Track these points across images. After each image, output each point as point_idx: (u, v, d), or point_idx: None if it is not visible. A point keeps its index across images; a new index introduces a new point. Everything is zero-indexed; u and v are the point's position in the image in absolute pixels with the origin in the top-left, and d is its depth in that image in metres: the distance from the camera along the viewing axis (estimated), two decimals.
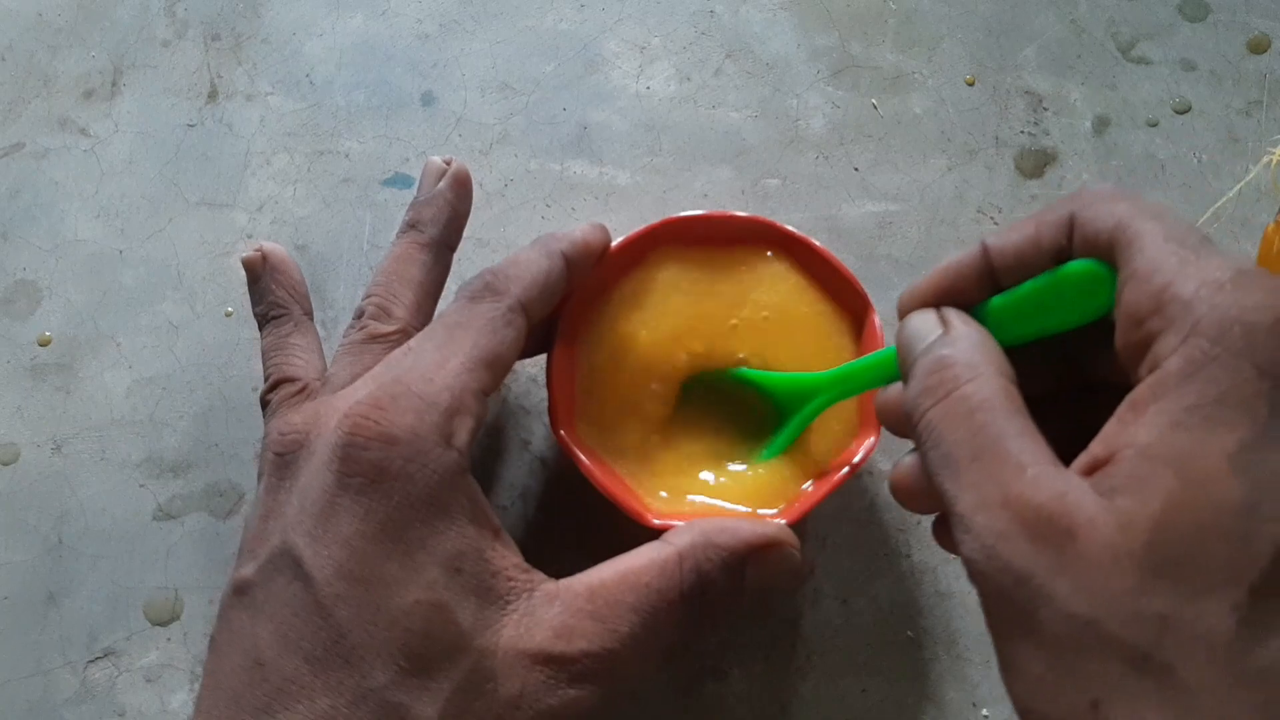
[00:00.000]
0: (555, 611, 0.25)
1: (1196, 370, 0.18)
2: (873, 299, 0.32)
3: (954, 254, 0.24)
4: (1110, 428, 0.20)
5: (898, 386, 0.24)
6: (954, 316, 0.24)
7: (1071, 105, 0.39)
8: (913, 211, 0.38)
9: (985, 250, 0.24)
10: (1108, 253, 0.21)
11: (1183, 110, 0.39)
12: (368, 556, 0.24)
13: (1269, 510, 0.17)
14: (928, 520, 0.34)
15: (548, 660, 0.25)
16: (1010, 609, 0.19)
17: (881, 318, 0.31)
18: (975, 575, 0.20)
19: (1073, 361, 0.25)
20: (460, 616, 0.24)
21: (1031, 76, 0.40)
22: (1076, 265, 0.22)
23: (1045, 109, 0.39)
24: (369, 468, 0.24)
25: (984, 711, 0.32)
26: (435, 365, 0.26)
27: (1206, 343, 0.18)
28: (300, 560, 0.24)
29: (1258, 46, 0.40)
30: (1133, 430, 0.19)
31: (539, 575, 0.26)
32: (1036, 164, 0.38)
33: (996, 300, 0.24)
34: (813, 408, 0.30)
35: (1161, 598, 0.18)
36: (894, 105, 0.39)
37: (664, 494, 0.30)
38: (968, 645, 0.32)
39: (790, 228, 0.33)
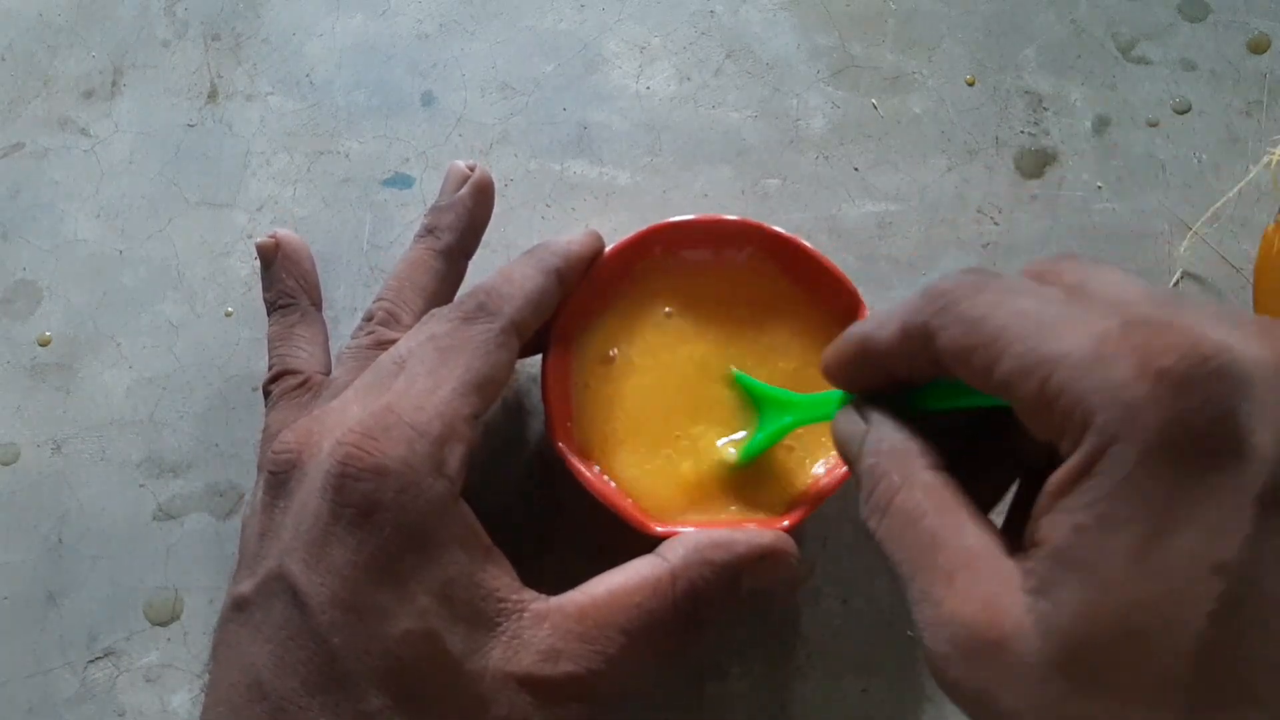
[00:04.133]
0: (544, 634, 0.25)
1: (1089, 465, 0.18)
2: (873, 299, 0.32)
3: (861, 327, 0.24)
4: (1037, 508, 0.19)
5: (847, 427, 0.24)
6: (873, 414, 0.23)
7: (1071, 105, 0.39)
8: (913, 211, 0.38)
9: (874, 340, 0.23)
10: (971, 365, 0.20)
11: (1183, 110, 0.39)
12: (360, 586, 0.24)
13: (1177, 609, 0.17)
14: None
15: (534, 684, 0.25)
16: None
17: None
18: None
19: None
20: (450, 643, 0.25)
21: (1031, 76, 0.40)
22: None
23: (1045, 109, 0.39)
24: (361, 499, 0.25)
25: None
26: (427, 391, 0.26)
27: (1094, 436, 0.17)
28: (295, 587, 0.24)
29: (1258, 46, 0.40)
30: (1047, 525, 0.18)
31: (529, 594, 0.26)
32: (1036, 164, 0.38)
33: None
34: (786, 424, 0.30)
35: (1092, 705, 0.17)
36: (894, 105, 0.39)
37: (658, 504, 0.30)
38: None
39: (778, 229, 0.33)
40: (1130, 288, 0.20)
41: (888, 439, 0.23)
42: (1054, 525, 0.18)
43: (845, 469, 0.30)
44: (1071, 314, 0.18)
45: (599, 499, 0.29)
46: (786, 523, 0.29)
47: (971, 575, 0.19)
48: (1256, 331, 0.18)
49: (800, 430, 0.31)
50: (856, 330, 0.23)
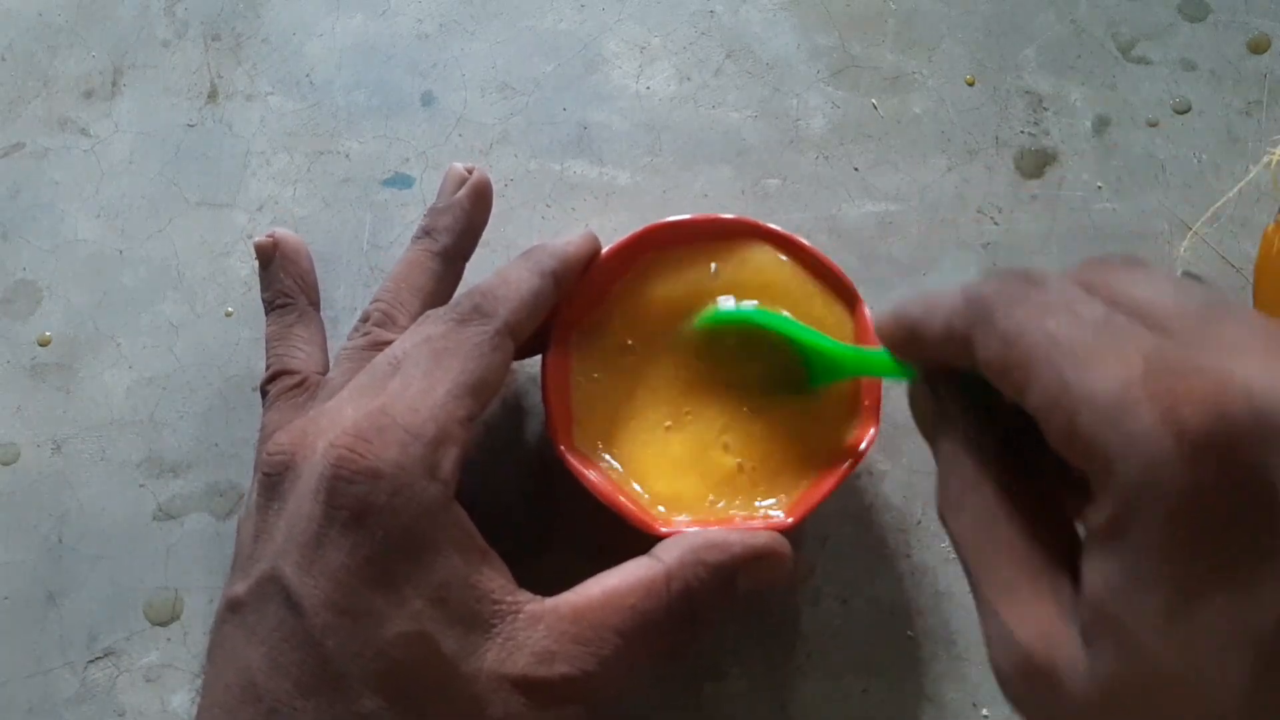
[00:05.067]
0: (538, 635, 0.25)
1: (1116, 519, 0.17)
2: (873, 299, 0.32)
3: (912, 311, 0.22)
4: (1085, 535, 0.19)
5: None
6: (945, 394, 0.22)
7: (1071, 105, 0.39)
8: (913, 211, 0.38)
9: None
10: (1008, 384, 0.20)
11: (1183, 110, 0.39)
12: (353, 590, 0.24)
13: (1206, 682, 0.16)
14: (928, 520, 0.34)
15: (529, 685, 0.25)
16: None
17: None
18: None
19: None
20: (445, 646, 0.24)
21: (1031, 76, 0.40)
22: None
23: (1045, 109, 0.39)
24: (355, 502, 0.25)
25: (984, 711, 0.32)
26: (421, 394, 0.26)
27: (1119, 491, 0.17)
28: (289, 590, 0.24)
29: (1258, 46, 0.40)
30: (1088, 570, 0.18)
31: (525, 596, 0.26)
32: (1036, 164, 0.38)
33: None
34: (769, 320, 0.31)
35: None
36: (894, 105, 0.39)
37: (662, 508, 0.30)
38: (968, 645, 0.32)
39: (775, 226, 0.33)
40: (1168, 302, 0.19)
41: (961, 426, 0.22)
42: (1092, 573, 0.18)
43: (847, 467, 0.30)
44: (1102, 343, 0.18)
45: (602, 501, 0.29)
46: (790, 520, 0.29)
47: (1032, 596, 0.19)
48: None
49: (803, 427, 0.31)
50: (908, 312, 0.22)
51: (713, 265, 0.33)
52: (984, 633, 0.20)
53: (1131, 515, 0.17)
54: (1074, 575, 0.19)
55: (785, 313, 0.32)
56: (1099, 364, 0.17)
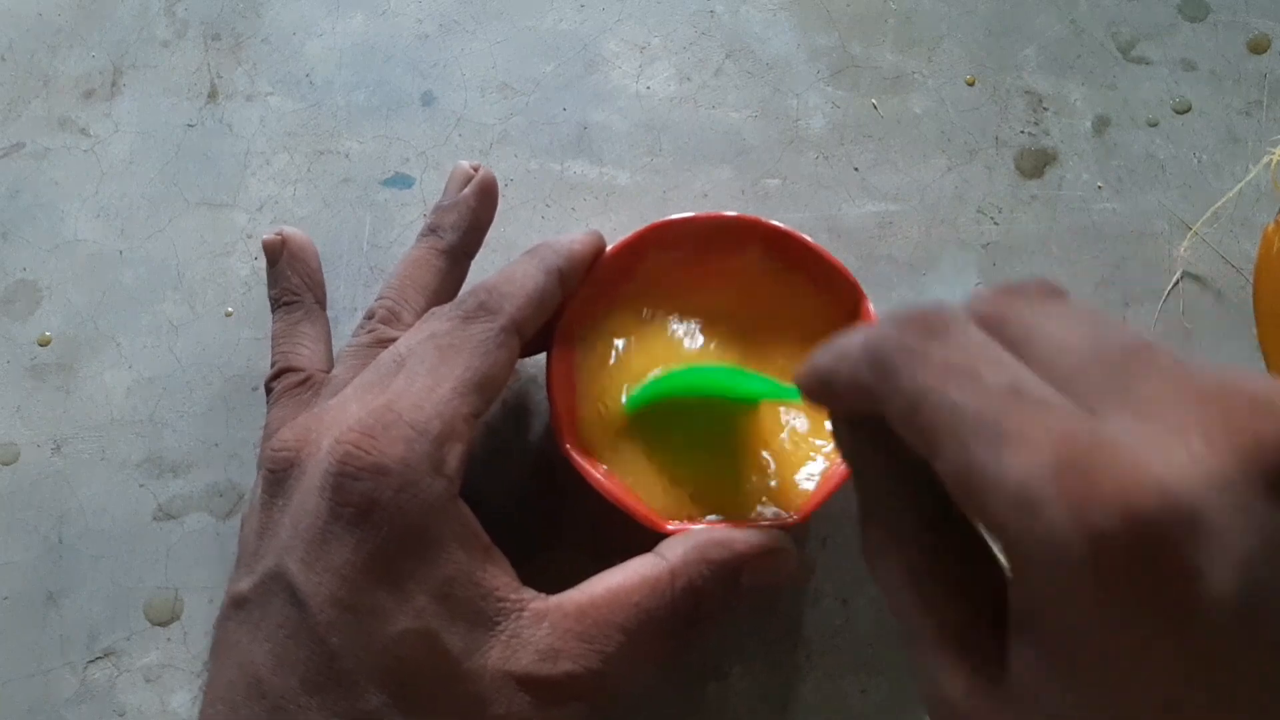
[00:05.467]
0: (543, 632, 0.25)
1: (1033, 615, 0.17)
2: (873, 299, 0.32)
3: (822, 360, 0.22)
4: (1009, 610, 0.18)
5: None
6: (858, 445, 0.22)
7: (1071, 105, 0.39)
8: (913, 211, 0.38)
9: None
10: (917, 445, 0.19)
11: (1183, 110, 0.39)
12: (358, 586, 0.24)
13: None
14: None
15: (533, 683, 0.25)
16: None
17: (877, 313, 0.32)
18: None
19: None
20: (449, 643, 0.24)
21: (1031, 76, 0.40)
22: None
23: (1045, 109, 0.39)
24: (360, 499, 0.25)
25: None
26: (426, 390, 0.26)
27: (1032, 587, 0.16)
28: (294, 586, 0.24)
29: (1258, 46, 0.40)
30: (1013, 650, 0.17)
31: (529, 593, 0.26)
32: (1036, 164, 0.38)
33: None
34: (669, 385, 0.31)
35: None
36: (894, 105, 0.39)
37: (668, 506, 0.30)
38: None
39: (777, 223, 0.33)
40: (1083, 352, 0.18)
41: (877, 472, 0.21)
42: (1016, 652, 0.17)
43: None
44: (1008, 422, 0.16)
45: (610, 500, 0.29)
46: (798, 516, 0.29)
47: (956, 654, 0.19)
48: (1216, 425, 0.15)
49: (807, 423, 0.31)
50: (817, 365, 0.22)
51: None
52: (918, 686, 0.20)
53: (1046, 610, 0.16)
54: (999, 623, 0.18)
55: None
56: (1005, 447, 0.16)
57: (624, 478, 0.30)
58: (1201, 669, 0.15)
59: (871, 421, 0.21)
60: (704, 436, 0.31)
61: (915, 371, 0.18)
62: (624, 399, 0.31)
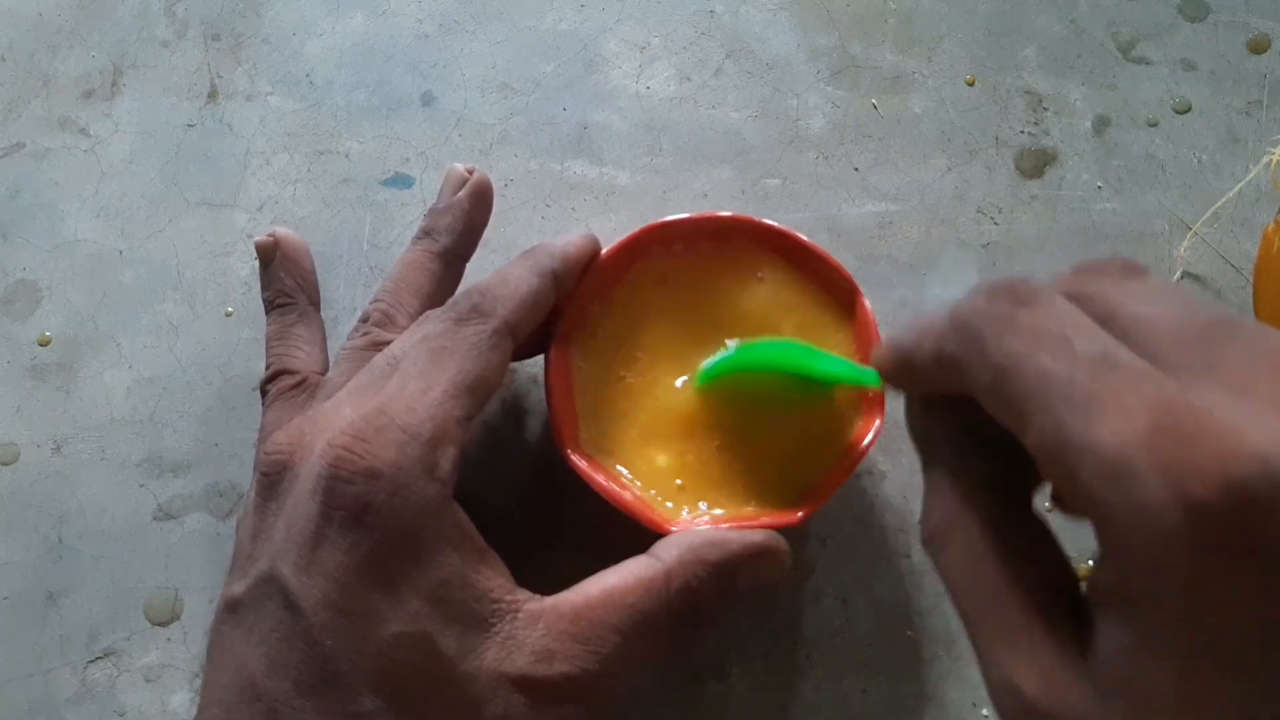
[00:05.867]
0: (538, 634, 0.25)
1: (1127, 592, 0.16)
2: (873, 299, 0.32)
3: (901, 341, 0.22)
4: (1091, 591, 0.18)
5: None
6: (936, 421, 0.21)
7: (1071, 105, 0.39)
8: (913, 211, 0.38)
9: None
10: (1004, 418, 0.18)
11: (1183, 110, 0.39)
12: (352, 589, 0.24)
13: None
14: None
15: (529, 684, 0.25)
16: None
17: (876, 313, 0.31)
18: None
19: None
20: (443, 645, 0.24)
21: (1031, 76, 0.40)
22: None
23: (1045, 109, 0.39)
24: (352, 502, 0.25)
25: (984, 711, 0.32)
26: (419, 393, 0.26)
27: (1127, 559, 0.16)
28: (287, 589, 0.24)
29: (1258, 46, 0.40)
30: (1101, 631, 0.17)
31: (524, 595, 0.26)
32: (1036, 164, 0.38)
33: None
34: (746, 357, 0.31)
35: None
36: (894, 105, 0.39)
37: (670, 506, 0.30)
38: (968, 645, 0.32)
39: (773, 223, 0.33)
40: (1169, 324, 0.17)
41: (949, 454, 0.21)
42: (1105, 633, 0.17)
43: (854, 460, 0.30)
44: (1101, 388, 0.16)
45: (611, 503, 0.29)
46: (800, 515, 0.29)
47: (1030, 641, 0.18)
48: None
49: (808, 422, 0.31)
50: (898, 343, 0.22)
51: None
52: (983, 673, 0.19)
53: (1140, 584, 0.16)
54: (1073, 613, 0.18)
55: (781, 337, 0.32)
56: (1099, 414, 0.16)
57: (623, 478, 0.30)
58: None
59: (947, 403, 0.21)
60: (704, 435, 0.31)
61: (1004, 339, 0.18)
62: (700, 370, 0.31)
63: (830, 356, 0.30)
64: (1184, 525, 0.15)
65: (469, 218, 0.33)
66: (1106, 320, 0.18)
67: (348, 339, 0.31)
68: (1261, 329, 0.17)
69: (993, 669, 0.18)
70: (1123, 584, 0.16)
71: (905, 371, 0.22)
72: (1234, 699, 0.15)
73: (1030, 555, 0.19)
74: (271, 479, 0.26)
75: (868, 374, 0.27)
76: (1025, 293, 0.19)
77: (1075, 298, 0.19)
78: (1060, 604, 0.18)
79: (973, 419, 0.20)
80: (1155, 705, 0.16)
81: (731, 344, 0.32)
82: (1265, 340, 0.17)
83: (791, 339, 0.32)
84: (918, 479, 0.34)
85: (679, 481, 0.31)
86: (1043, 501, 0.28)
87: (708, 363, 0.32)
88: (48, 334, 0.37)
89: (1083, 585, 0.19)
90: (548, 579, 0.27)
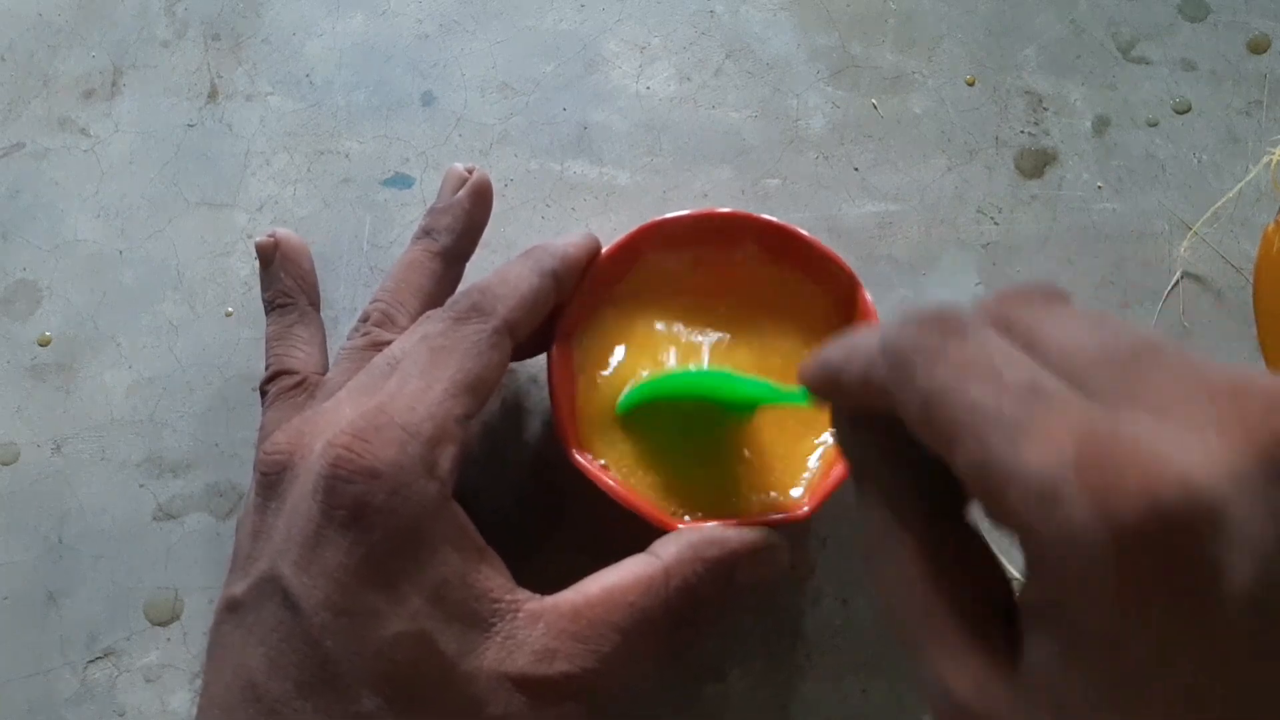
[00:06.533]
0: (538, 633, 0.25)
1: (1052, 608, 0.17)
2: (873, 300, 0.32)
3: (831, 356, 0.22)
4: (1020, 604, 0.18)
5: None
6: (859, 440, 0.22)
7: (1071, 105, 0.39)
8: (913, 211, 0.38)
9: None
10: (931, 443, 0.18)
11: (1183, 110, 0.39)
12: (352, 589, 0.24)
13: None
14: None
15: (529, 684, 0.25)
16: None
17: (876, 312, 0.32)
18: None
19: None
20: (444, 645, 0.24)
21: (1031, 76, 0.40)
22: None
23: (1045, 109, 0.39)
24: (352, 502, 0.25)
25: None
26: (418, 392, 0.26)
27: (1052, 579, 0.16)
28: (287, 589, 0.24)
29: (1258, 46, 0.40)
30: (1029, 645, 0.17)
31: (524, 594, 0.26)
32: (1036, 164, 0.38)
33: None
34: (663, 384, 0.31)
35: None
36: (894, 105, 0.39)
37: (675, 505, 0.30)
38: None
39: (771, 218, 0.33)
40: (1093, 350, 0.18)
41: (878, 471, 0.21)
42: (1033, 646, 0.17)
43: None
44: (1028, 416, 0.17)
45: (618, 502, 0.29)
46: (806, 510, 0.29)
47: (963, 650, 0.18)
48: (1232, 422, 0.16)
49: (809, 418, 0.31)
50: (825, 360, 0.22)
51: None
52: (918, 687, 0.19)
53: (1066, 600, 0.16)
54: (1005, 621, 0.18)
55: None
56: (1026, 442, 0.16)
57: (626, 477, 0.30)
58: (1221, 661, 0.15)
59: (875, 418, 0.21)
60: (704, 433, 0.31)
61: (934, 369, 0.18)
62: (620, 399, 0.31)
63: (749, 381, 0.30)
64: (1110, 546, 0.15)
65: (469, 217, 0.33)
66: (1031, 347, 0.18)
67: (347, 339, 0.31)
68: (1182, 353, 0.17)
69: (929, 679, 0.19)
70: (1048, 599, 0.17)
71: (832, 389, 0.22)
72: (1153, 710, 0.16)
73: (964, 564, 0.20)
74: (271, 479, 0.26)
75: (792, 394, 0.26)
76: (953, 323, 0.19)
77: (1000, 325, 0.19)
78: (992, 613, 0.19)
79: (901, 434, 0.20)
80: (1076, 714, 0.16)
81: (644, 375, 0.32)
82: (1185, 363, 0.17)
83: (791, 336, 0.32)
84: None
85: (680, 478, 0.31)
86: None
87: (625, 392, 0.31)
88: (48, 334, 0.37)
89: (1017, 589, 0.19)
90: (548, 579, 0.27)
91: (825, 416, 0.31)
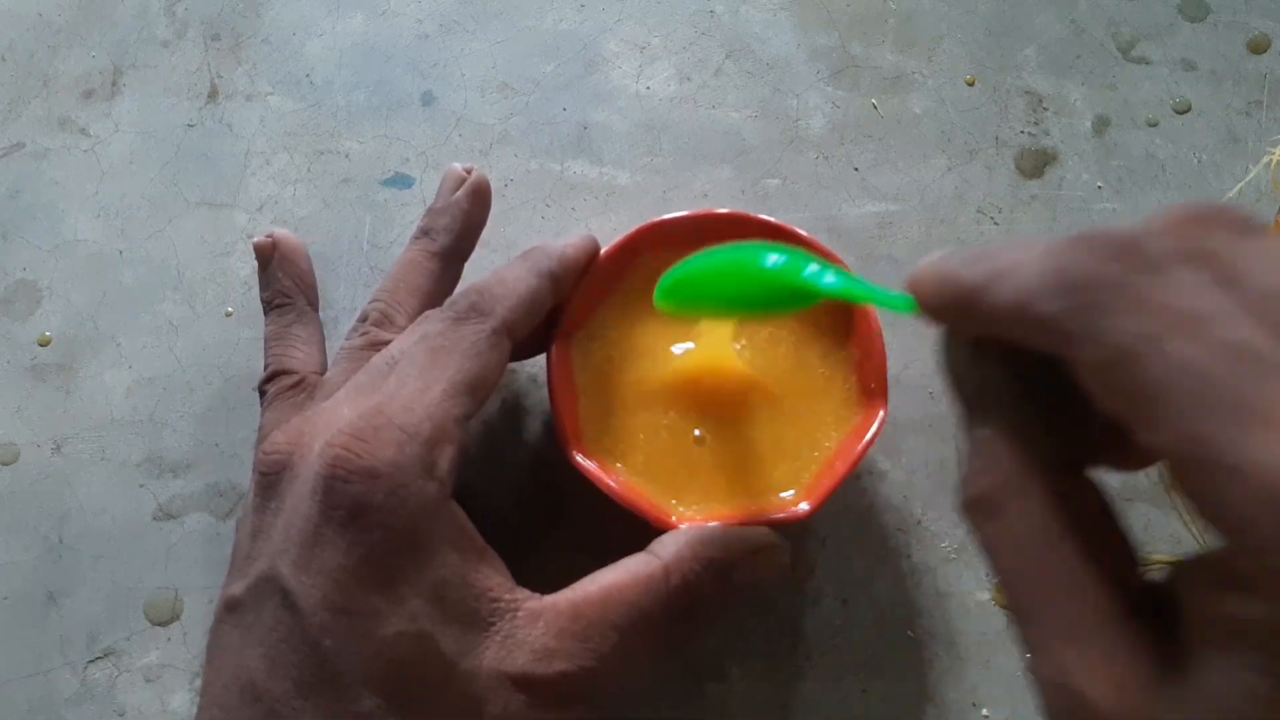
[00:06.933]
0: (538, 632, 0.25)
1: (1260, 632, 0.14)
2: None
3: (970, 273, 0.18)
4: (1189, 612, 0.15)
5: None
6: (990, 367, 0.18)
7: (1071, 105, 0.39)
8: (913, 211, 0.38)
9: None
10: (1116, 408, 0.15)
11: (1183, 110, 0.39)
12: (351, 589, 0.24)
13: None
14: (928, 520, 0.34)
15: (529, 683, 0.25)
16: None
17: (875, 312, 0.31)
18: None
19: None
20: (443, 644, 0.24)
21: (1031, 76, 0.40)
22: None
23: (1045, 109, 0.39)
24: (351, 502, 0.25)
25: (984, 711, 0.32)
26: (417, 392, 0.26)
27: (1270, 599, 0.14)
28: (286, 589, 0.24)
29: (1258, 46, 0.40)
30: (1219, 669, 0.14)
31: (523, 594, 0.26)
32: (1036, 164, 0.38)
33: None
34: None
35: None
36: (894, 105, 0.39)
37: (676, 504, 0.30)
38: (968, 645, 0.32)
39: (769, 218, 0.33)
40: None
41: (1007, 410, 0.18)
42: (1218, 668, 0.14)
43: (860, 451, 0.30)
44: (1247, 388, 0.14)
45: (619, 502, 0.29)
46: (808, 507, 0.29)
47: (1103, 646, 0.16)
48: None
49: (811, 415, 0.31)
50: (956, 276, 0.18)
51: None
52: (1034, 671, 0.16)
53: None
54: (1143, 613, 0.16)
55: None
56: (1253, 427, 0.13)
57: (627, 477, 0.30)
58: None
59: (1005, 348, 0.18)
60: (712, 431, 0.31)
61: (1127, 315, 0.15)
62: (660, 285, 0.28)
63: (825, 265, 0.24)
64: None
65: (467, 217, 0.33)
66: (1227, 291, 0.15)
67: (346, 339, 0.31)
68: None
69: (1049, 666, 0.16)
70: (1259, 618, 0.14)
71: (961, 310, 0.18)
72: None
73: (1097, 531, 0.17)
74: (270, 479, 0.26)
75: (891, 298, 0.21)
76: (1141, 255, 0.15)
77: (1193, 259, 0.15)
78: (1131, 602, 0.16)
79: (1033, 370, 0.17)
80: None
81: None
82: None
83: (790, 337, 0.32)
84: (917, 479, 0.34)
85: (682, 478, 0.31)
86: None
87: (666, 275, 0.28)
88: (48, 334, 0.37)
89: (1146, 574, 0.16)
90: (548, 578, 0.27)
91: (824, 414, 0.31)
